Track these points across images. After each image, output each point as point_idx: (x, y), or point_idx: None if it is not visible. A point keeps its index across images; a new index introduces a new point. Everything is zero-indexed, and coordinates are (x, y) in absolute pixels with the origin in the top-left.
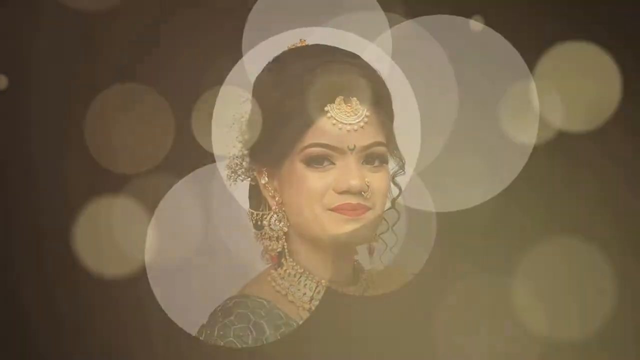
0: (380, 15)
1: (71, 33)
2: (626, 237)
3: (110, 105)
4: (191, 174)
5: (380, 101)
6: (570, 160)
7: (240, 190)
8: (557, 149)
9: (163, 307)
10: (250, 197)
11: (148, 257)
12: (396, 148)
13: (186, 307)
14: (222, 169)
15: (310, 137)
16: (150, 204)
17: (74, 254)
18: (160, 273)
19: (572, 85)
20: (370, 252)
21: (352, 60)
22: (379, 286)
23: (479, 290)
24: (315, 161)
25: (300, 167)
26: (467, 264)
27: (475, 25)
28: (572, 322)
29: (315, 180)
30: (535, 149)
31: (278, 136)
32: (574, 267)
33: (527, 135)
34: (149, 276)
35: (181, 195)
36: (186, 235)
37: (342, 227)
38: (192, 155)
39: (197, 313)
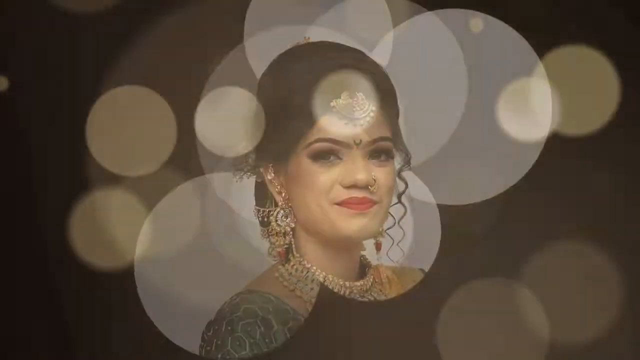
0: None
1: (71, 33)
2: (630, 238)
3: (110, 106)
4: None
5: (386, 96)
6: (571, 162)
7: (238, 192)
8: (557, 150)
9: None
10: (256, 194)
11: (142, 256)
12: (402, 143)
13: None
14: (215, 172)
15: (317, 133)
16: (151, 205)
17: (74, 254)
18: (154, 272)
19: (571, 88)
20: (378, 248)
21: (356, 55)
22: (394, 290)
23: (482, 291)
24: (321, 156)
25: (306, 162)
26: (471, 262)
27: (476, 24)
28: (577, 323)
29: (322, 175)
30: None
31: (284, 132)
32: (578, 268)
33: (532, 135)
34: (136, 278)
35: (180, 195)
36: (184, 235)
37: (348, 221)
38: (192, 155)
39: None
